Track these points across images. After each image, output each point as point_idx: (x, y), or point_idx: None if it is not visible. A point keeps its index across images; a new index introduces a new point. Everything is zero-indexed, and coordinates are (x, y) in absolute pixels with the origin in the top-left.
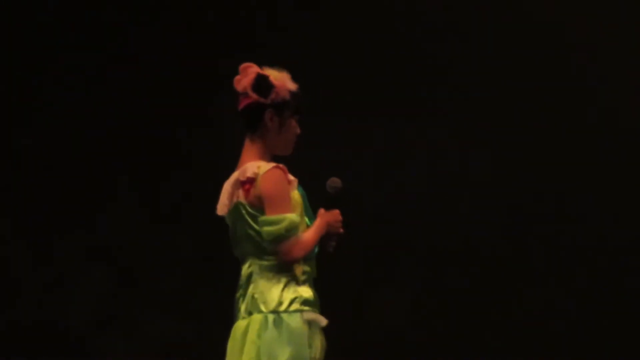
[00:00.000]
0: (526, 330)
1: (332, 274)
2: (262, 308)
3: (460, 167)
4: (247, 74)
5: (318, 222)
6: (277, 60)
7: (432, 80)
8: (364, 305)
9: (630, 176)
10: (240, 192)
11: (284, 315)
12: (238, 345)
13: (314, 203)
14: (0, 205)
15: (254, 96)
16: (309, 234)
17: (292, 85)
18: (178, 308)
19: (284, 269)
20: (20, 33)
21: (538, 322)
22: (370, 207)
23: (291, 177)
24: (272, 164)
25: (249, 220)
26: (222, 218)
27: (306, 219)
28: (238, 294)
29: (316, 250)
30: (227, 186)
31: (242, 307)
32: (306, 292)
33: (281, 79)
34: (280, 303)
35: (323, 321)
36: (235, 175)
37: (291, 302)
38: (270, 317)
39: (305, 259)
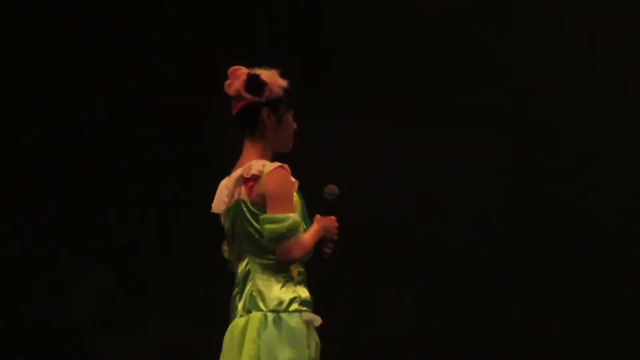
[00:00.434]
0: (527, 330)
1: (335, 275)
2: (262, 306)
3: (462, 167)
4: (237, 77)
5: (315, 226)
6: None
7: (435, 82)
8: (366, 306)
9: (632, 177)
10: (243, 189)
11: (284, 315)
12: (236, 343)
13: (311, 206)
14: (1, 206)
15: (248, 97)
16: (307, 237)
17: (282, 82)
18: (178, 308)
19: (282, 269)
20: (20, 33)
21: (539, 322)
22: (373, 208)
23: (293, 179)
24: (277, 164)
25: (250, 218)
26: (217, 216)
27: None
28: (235, 292)
29: (310, 254)
30: (227, 183)
31: (240, 305)
32: (304, 292)
33: (271, 76)
34: (280, 302)
35: (318, 321)
36: (237, 173)
37: (291, 302)
38: (270, 316)
39: (301, 260)
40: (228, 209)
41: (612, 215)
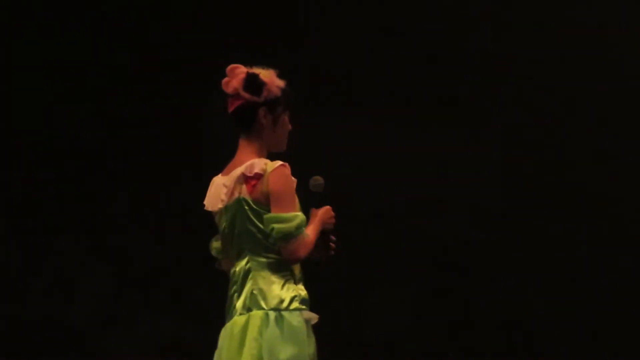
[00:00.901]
0: (526, 329)
1: (331, 274)
2: (263, 305)
3: (461, 167)
4: (235, 75)
5: (314, 221)
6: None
7: (436, 80)
8: (362, 304)
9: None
10: (245, 188)
11: (285, 314)
12: (236, 342)
13: (304, 203)
14: (1, 205)
15: (246, 96)
16: (311, 234)
17: (280, 82)
18: (178, 308)
19: (282, 267)
20: (20, 33)
21: (538, 321)
22: (369, 207)
23: (293, 178)
24: (279, 162)
25: (252, 216)
26: (208, 213)
27: None
28: (232, 290)
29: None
30: (226, 182)
31: (239, 304)
32: (303, 290)
33: (270, 76)
34: (281, 301)
35: (316, 319)
36: (238, 171)
37: (291, 301)
38: (272, 314)
39: (306, 258)
40: (226, 208)
41: (613, 215)
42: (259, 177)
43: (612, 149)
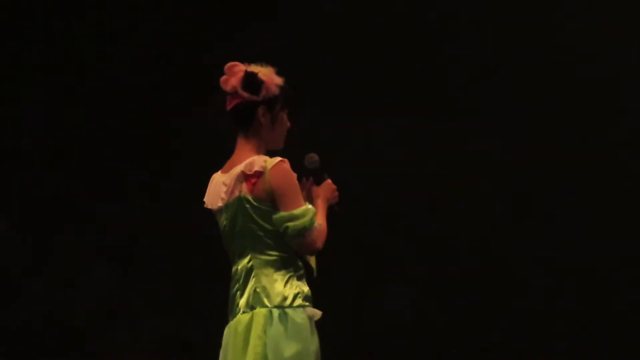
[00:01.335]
0: (529, 327)
1: (335, 272)
2: (266, 302)
3: (465, 165)
4: (234, 73)
5: (320, 203)
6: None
7: (439, 80)
8: (366, 302)
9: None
10: (245, 186)
11: (289, 311)
12: (241, 340)
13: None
14: (5, 203)
15: (245, 94)
16: (322, 219)
17: (279, 80)
18: (181, 306)
19: (284, 264)
20: (20, 31)
21: (542, 319)
22: (375, 205)
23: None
24: (278, 158)
25: (253, 214)
26: (210, 213)
27: None
28: (234, 289)
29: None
30: (225, 180)
31: (242, 301)
32: (306, 287)
33: (268, 75)
34: (284, 298)
35: (319, 315)
36: (237, 170)
37: (295, 298)
38: (275, 312)
39: (301, 254)
40: (226, 206)
41: (616, 214)
42: (259, 175)
43: (615, 147)
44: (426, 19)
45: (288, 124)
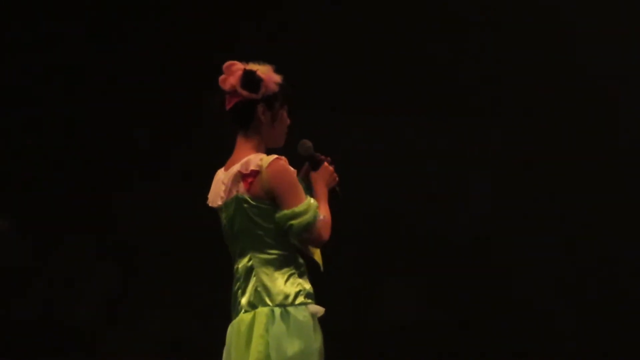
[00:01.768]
0: (533, 325)
1: (339, 269)
2: (268, 301)
3: (469, 162)
4: (232, 72)
5: (319, 189)
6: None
7: (442, 79)
8: (369, 299)
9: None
10: (242, 185)
11: (291, 309)
12: (244, 339)
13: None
14: (8, 203)
15: (244, 93)
16: (325, 209)
17: (277, 77)
18: (184, 306)
19: (285, 263)
20: (20, 29)
21: (545, 317)
22: (378, 201)
23: (292, 168)
24: (274, 156)
25: (251, 214)
26: (213, 210)
27: None
28: (235, 288)
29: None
30: (224, 178)
31: (244, 300)
32: (307, 284)
33: (267, 72)
34: (286, 296)
35: (322, 312)
36: (235, 169)
37: (296, 295)
38: (277, 310)
39: (302, 252)
40: (225, 205)
41: (616, 214)
42: (255, 173)
43: (616, 147)
44: (427, 18)
45: (288, 121)
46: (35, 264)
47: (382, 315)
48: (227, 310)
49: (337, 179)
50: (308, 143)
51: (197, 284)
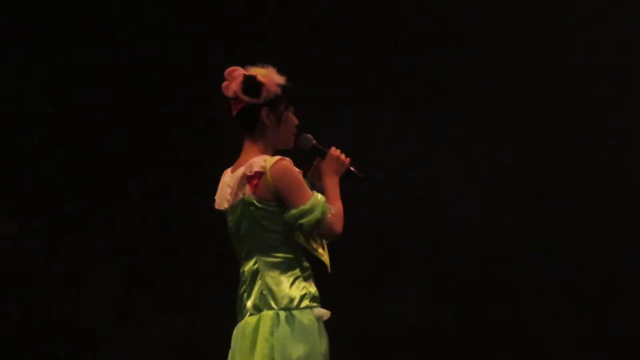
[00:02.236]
0: (538, 326)
1: (345, 271)
2: (273, 305)
3: (473, 165)
4: (233, 78)
5: (328, 181)
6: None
7: (441, 80)
8: (375, 302)
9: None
10: (247, 188)
11: (296, 312)
12: (249, 342)
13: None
14: (13, 205)
15: (246, 99)
16: (335, 202)
17: (280, 79)
18: (189, 308)
19: (290, 266)
20: (22, 32)
21: (550, 319)
22: (383, 204)
23: (297, 169)
24: (277, 157)
25: (257, 216)
26: (219, 212)
27: None
28: (241, 291)
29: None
30: (230, 181)
31: (249, 303)
32: (313, 287)
33: (268, 75)
34: (291, 300)
35: (327, 315)
36: (240, 172)
37: (301, 299)
38: (282, 314)
39: (308, 255)
40: (232, 208)
41: (616, 214)
42: (260, 175)
43: (617, 148)
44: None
45: (296, 121)
46: (42, 266)
47: (387, 318)
48: (232, 313)
49: (347, 161)
50: (307, 136)
51: (202, 286)
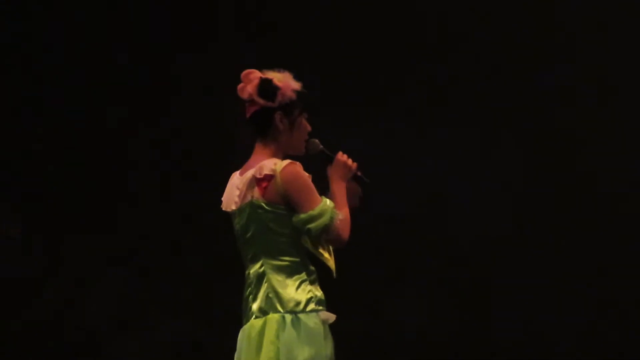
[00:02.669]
0: (542, 330)
1: (350, 275)
2: (279, 308)
3: (476, 168)
4: (250, 80)
5: (335, 186)
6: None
7: (445, 82)
8: (380, 305)
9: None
10: (257, 190)
11: (302, 316)
12: (254, 345)
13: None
14: (18, 208)
15: (261, 101)
16: (343, 208)
17: (296, 84)
18: (193, 310)
19: (296, 269)
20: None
21: (555, 322)
22: (386, 208)
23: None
24: (288, 161)
25: (265, 219)
26: (226, 214)
27: None
28: (247, 293)
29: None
30: (238, 183)
31: (255, 306)
32: (319, 291)
33: (284, 80)
34: (297, 303)
35: (333, 318)
36: (249, 174)
37: (307, 302)
38: (288, 317)
39: (313, 259)
40: (239, 210)
41: (622, 215)
42: (269, 178)
43: (622, 149)
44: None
45: (308, 128)
46: (47, 270)
47: (392, 323)
48: (237, 316)
49: (354, 166)
50: (315, 141)
51: (207, 289)
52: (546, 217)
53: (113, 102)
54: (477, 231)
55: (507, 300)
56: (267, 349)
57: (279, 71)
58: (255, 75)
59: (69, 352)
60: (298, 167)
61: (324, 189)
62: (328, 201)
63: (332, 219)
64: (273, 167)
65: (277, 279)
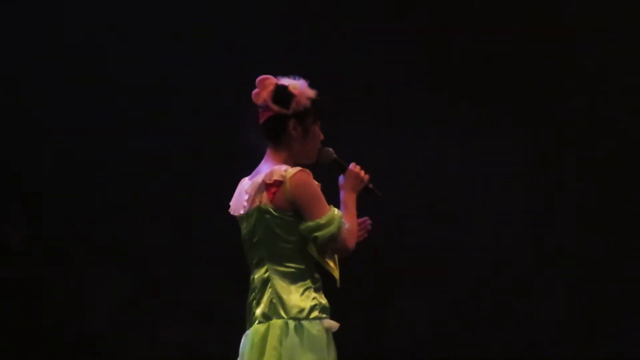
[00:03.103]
0: (545, 336)
1: (352, 282)
2: (282, 314)
3: (477, 175)
4: (265, 87)
5: (346, 196)
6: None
7: (451, 86)
8: (383, 314)
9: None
10: (265, 196)
11: (305, 323)
12: (257, 350)
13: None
14: (22, 210)
15: (275, 108)
16: (351, 219)
17: (311, 93)
18: (197, 315)
19: (301, 276)
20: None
21: (558, 328)
22: (388, 216)
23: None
24: (298, 168)
25: (272, 224)
26: (232, 218)
27: None
28: (251, 298)
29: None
30: (248, 188)
31: (259, 312)
32: (323, 299)
33: (299, 87)
34: (301, 310)
35: (336, 326)
36: (258, 180)
37: (311, 310)
38: (292, 323)
39: (319, 267)
40: (247, 214)
41: (627, 217)
42: (279, 184)
43: (626, 150)
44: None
45: (321, 136)
46: (49, 274)
47: (394, 330)
48: (241, 320)
49: (366, 178)
50: (329, 150)
51: (210, 294)
52: (546, 217)
53: (113, 103)
54: (480, 241)
55: (510, 310)
56: (270, 354)
57: (294, 78)
58: (270, 81)
59: (73, 355)
60: (308, 174)
61: (334, 199)
62: (336, 210)
63: (339, 228)
64: (283, 173)
65: (281, 285)
